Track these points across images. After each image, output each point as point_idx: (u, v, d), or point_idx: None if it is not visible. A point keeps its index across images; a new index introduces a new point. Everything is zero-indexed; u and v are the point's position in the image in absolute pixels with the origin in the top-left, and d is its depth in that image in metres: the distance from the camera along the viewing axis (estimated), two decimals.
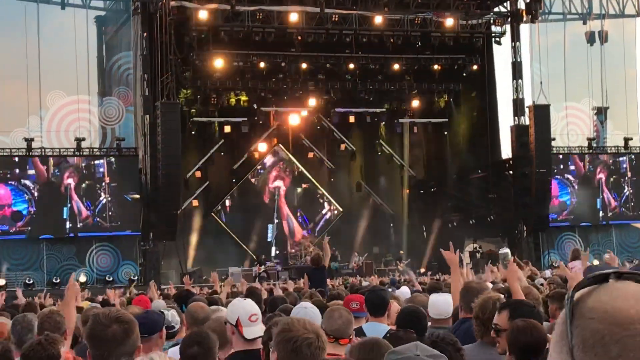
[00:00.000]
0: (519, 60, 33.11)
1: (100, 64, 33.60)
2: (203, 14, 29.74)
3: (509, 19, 33.11)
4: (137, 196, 29.74)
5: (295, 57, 32.03)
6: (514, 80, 33.04)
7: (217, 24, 29.99)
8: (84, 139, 30.43)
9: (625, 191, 35.57)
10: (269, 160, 36.33)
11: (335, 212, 36.81)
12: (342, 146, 36.45)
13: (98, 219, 30.01)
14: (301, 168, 36.35)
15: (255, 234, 35.16)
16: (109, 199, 30.01)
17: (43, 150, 30.20)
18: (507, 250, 29.49)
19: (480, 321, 5.10)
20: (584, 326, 1.29)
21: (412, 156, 37.64)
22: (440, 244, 12.24)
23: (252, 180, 36.17)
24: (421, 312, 5.94)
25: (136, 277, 29.29)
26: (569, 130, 36.84)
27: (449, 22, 31.96)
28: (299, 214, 36.45)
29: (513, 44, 33.16)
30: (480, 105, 34.51)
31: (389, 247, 36.16)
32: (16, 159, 29.71)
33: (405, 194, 37.97)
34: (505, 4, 33.41)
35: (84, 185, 30.11)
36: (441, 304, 6.73)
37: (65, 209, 29.69)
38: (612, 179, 35.47)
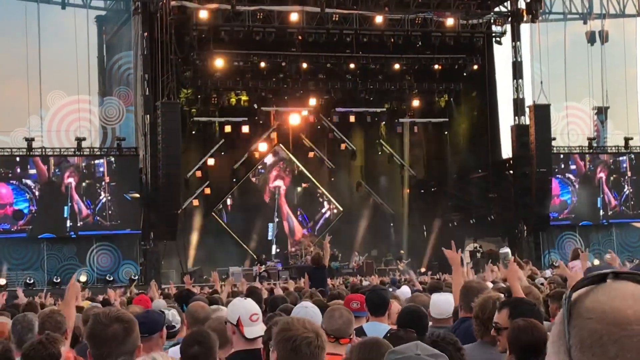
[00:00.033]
0: (519, 60, 33.07)
1: (100, 63, 33.57)
2: (203, 14, 29.72)
3: (510, 19, 33.06)
4: (137, 195, 29.73)
5: (295, 56, 31.99)
6: (515, 80, 33.00)
7: (218, 24, 29.95)
8: (84, 139, 30.40)
9: (625, 190, 35.56)
10: (269, 159, 36.31)
11: (335, 211, 36.79)
12: (343, 146, 36.40)
13: (98, 218, 30.04)
14: (301, 167, 36.32)
15: (255, 233, 35.13)
16: (109, 198, 30.04)
17: (44, 150, 30.18)
18: (507, 249, 29.51)
19: (480, 321, 5.10)
20: (582, 326, 1.29)
21: (413, 156, 37.58)
22: (441, 243, 12.25)
23: (253, 179, 36.16)
24: (422, 311, 5.93)
25: (137, 277, 29.29)
26: (570, 130, 36.83)
27: (450, 21, 31.91)
28: (299, 212, 36.44)
29: (513, 43, 33.12)
30: (481, 105, 34.47)
31: (390, 247, 36.11)
32: (17, 158, 29.76)
33: (405, 193, 37.92)
34: (505, 3, 33.36)
35: (84, 184, 30.14)
36: (443, 304, 6.73)
37: (65, 208, 29.74)
38: (612, 179, 35.46)
